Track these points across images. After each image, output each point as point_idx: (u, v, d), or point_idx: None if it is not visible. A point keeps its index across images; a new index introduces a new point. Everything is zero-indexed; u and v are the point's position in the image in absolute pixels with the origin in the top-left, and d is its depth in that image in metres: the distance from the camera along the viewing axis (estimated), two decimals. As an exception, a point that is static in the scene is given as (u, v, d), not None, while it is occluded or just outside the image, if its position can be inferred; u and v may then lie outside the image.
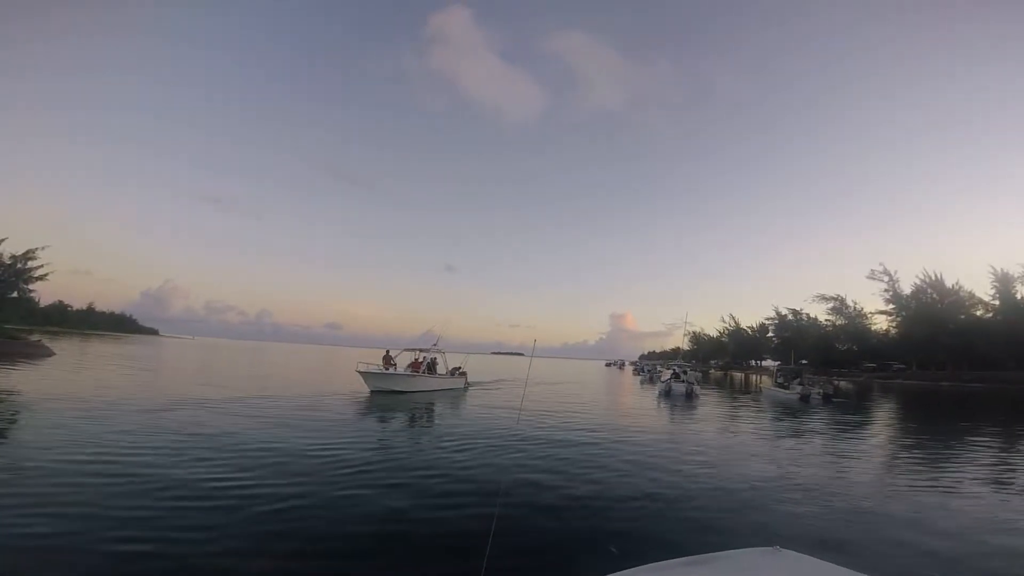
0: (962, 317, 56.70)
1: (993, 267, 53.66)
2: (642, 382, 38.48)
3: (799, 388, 26.95)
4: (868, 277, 66.79)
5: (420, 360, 23.01)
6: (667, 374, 32.15)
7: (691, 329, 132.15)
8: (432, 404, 17.11)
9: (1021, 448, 12.58)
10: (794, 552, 1.87)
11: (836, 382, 33.43)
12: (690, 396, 24.78)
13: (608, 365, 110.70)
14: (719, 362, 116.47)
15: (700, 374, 74.24)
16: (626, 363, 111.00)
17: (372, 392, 19.17)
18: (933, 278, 60.11)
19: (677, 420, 16.25)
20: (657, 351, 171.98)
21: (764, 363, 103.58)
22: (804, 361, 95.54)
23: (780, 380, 30.87)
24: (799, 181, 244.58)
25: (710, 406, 21.31)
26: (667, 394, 25.51)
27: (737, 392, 33.90)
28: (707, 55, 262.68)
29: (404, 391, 19.99)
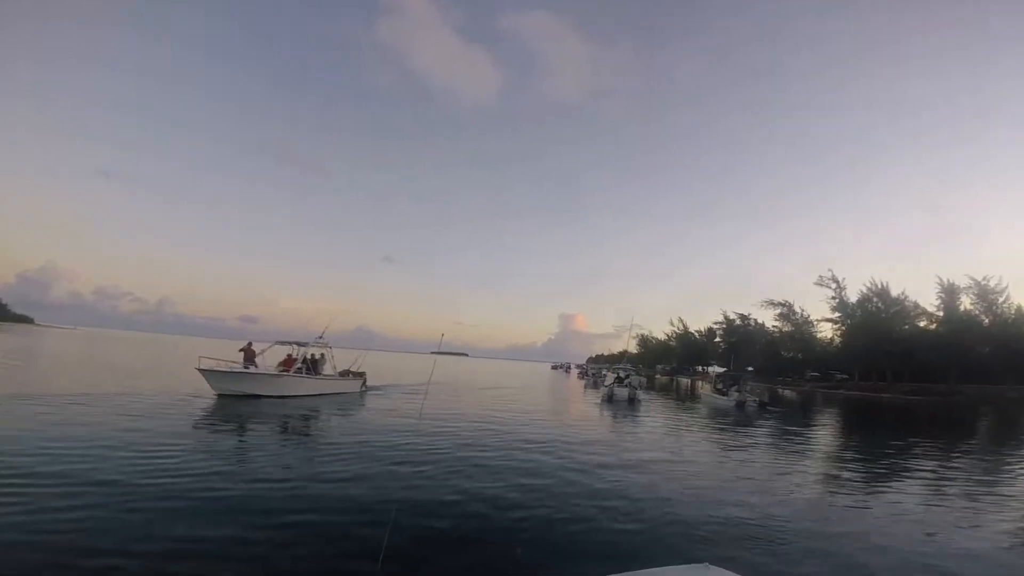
0: (906, 327, 56.21)
1: (940, 277, 53.26)
2: (586, 386, 37.81)
3: (736, 395, 27.18)
4: (816, 284, 66.05)
5: (295, 357, 19.12)
6: (611, 378, 31.82)
7: (639, 332, 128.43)
8: (313, 412, 14.52)
9: (933, 465, 11.65)
10: (723, 570, 1.85)
11: (778, 390, 33.68)
12: (632, 402, 24.53)
13: (554, 368, 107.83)
14: (666, 367, 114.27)
15: (644, 379, 70.87)
16: (572, 366, 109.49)
17: (219, 396, 15.53)
18: (879, 287, 59.56)
19: (613, 427, 15.94)
20: (605, 354, 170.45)
21: (711, 369, 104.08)
22: (750, 368, 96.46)
23: (719, 386, 31.01)
24: (759, 180, 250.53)
25: (651, 413, 21.20)
26: (609, 399, 25.04)
27: (680, 398, 33.75)
28: (668, 44, 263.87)
29: (267, 395, 16.55)
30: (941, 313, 52.80)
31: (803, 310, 77.34)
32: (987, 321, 48.08)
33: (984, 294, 47.78)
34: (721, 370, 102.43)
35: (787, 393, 57.86)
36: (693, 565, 1.92)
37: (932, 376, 50.73)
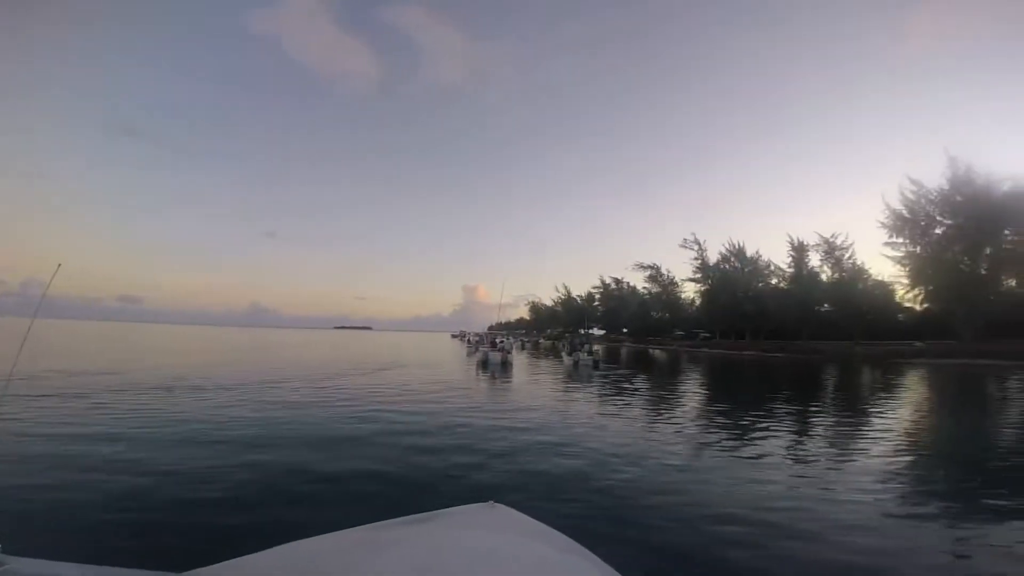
0: (760, 285, 57.37)
1: (790, 236, 54.33)
2: (469, 353, 38.84)
3: (572, 356, 29.70)
4: (680, 246, 65.88)
5: None
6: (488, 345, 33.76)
7: (531, 300, 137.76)
8: None
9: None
10: (507, 507, 1.99)
11: (619, 349, 33.89)
12: (505, 365, 26.25)
13: (454, 337, 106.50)
14: (553, 331, 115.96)
15: (520, 342, 73.70)
16: (469, 334, 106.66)
17: None
18: (736, 247, 60.44)
19: (474, 388, 16.74)
20: (503, 322, 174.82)
21: (592, 331, 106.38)
22: (624, 330, 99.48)
23: (567, 349, 33.00)
24: (629, 159, 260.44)
25: (517, 372, 23.41)
26: (484, 364, 26.78)
27: (546, 359, 36.17)
28: (542, 40, 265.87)
29: None
30: (792, 270, 53.85)
31: (669, 272, 78.73)
32: (829, 277, 49.50)
33: (831, 251, 48.81)
34: (601, 332, 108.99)
35: (656, 352, 58.27)
36: (479, 505, 2.04)
37: (787, 334, 52.01)
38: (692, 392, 17.63)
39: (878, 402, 16.00)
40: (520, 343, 79.02)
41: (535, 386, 18.00)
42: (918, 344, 39.19)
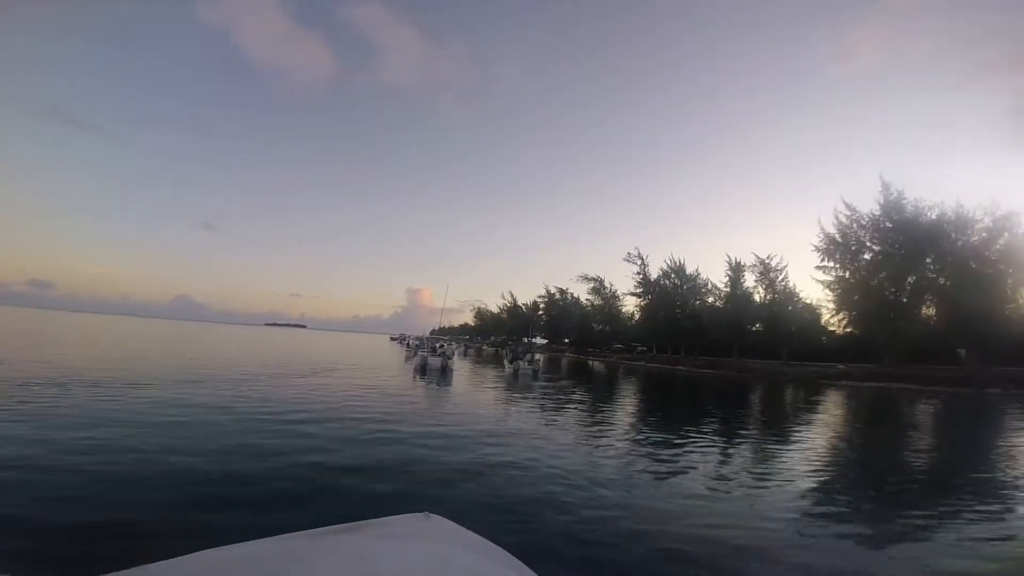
0: (697, 303, 57.65)
1: (728, 256, 54.86)
2: (407, 358, 36.92)
3: (511, 364, 29.64)
4: (624, 259, 65.53)
5: None
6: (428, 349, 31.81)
7: (476, 305, 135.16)
8: None
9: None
10: (441, 518, 1.98)
11: (559, 360, 34.49)
12: (445, 371, 24.79)
13: (393, 340, 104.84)
14: (497, 338, 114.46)
15: (463, 348, 72.67)
16: (408, 338, 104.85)
17: None
18: (676, 264, 60.65)
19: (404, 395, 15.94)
20: (445, 327, 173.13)
21: (535, 340, 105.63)
22: (566, 340, 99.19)
23: (509, 357, 32.49)
24: (589, 163, 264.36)
25: (457, 379, 22.26)
26: (422, 369, 25.22)
27: (487, 366, 36.43)
28: (496, 45, 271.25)
29: None
30: (728, 290, 54.29)
31: (611, 285, 78.74)
32: (762, 298, 50.09)
33: (766, 272, 49.40)
34: (542, 341, 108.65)
35: (595, 364, 57.68)
36: (414, 515, 2.01)
37: (721, 351, 52.20)
38: (625, 406, 17.68)
39: (800, 420, 16.52)
40: (463, 349, 76.93)
41: (472, 395, 17.45)
42: (840, 367, 39.76)
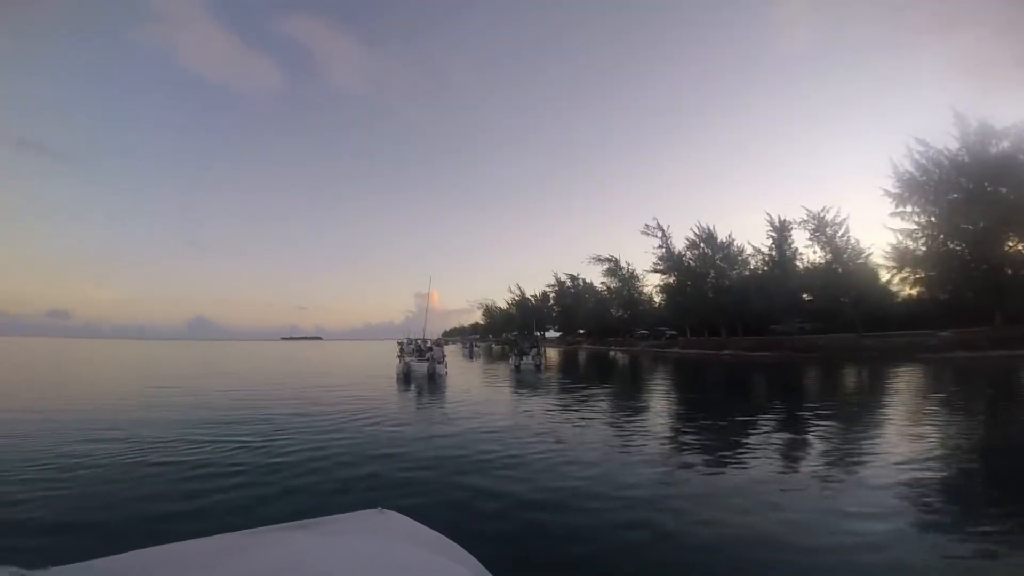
0: (734, 274, 49.08)
1: (769, 214, 46.07)
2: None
3: (514, 359, 29.46)
4: (642, 232, 56.77)
5: None
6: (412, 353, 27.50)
7: (484, 303, 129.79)
8: None
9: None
10: (396, 513, 1.97)
11: (576, 351, 38.68)
12: (433, 377, 21.87)
13: (400, 344, 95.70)
14: (508, 335, 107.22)
15: (469, 347, 72.50)
16: (403, 342, 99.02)
17: None
18: (705, 231, 51.60)
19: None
20: (456, 327, 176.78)
21: (547, 333, 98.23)
22: (581, 331, 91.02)
23: (516, 352, 31.51)
24: (584, 147, 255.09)
25: (448, 383, 20.30)
26: (406, 377, 22.09)
27: (495, 364, 35.94)
28: (439, 47, 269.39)
29: None
30: (774, 253, 45.58)
31: (629, 264, 70.21)
32: (819, 259, 41.44)
33: (821, 227, 40.57)
34: (557, 334, 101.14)
35: (617, 355, 49.76)
36: (367, 511, 1.99)
37: (766, 328, 43.81)
38: (662, 409, 13.81)
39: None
40: (468, 348, 70.09)
41: (450, 405, 14.45)
42: (944, 333, 31.28)
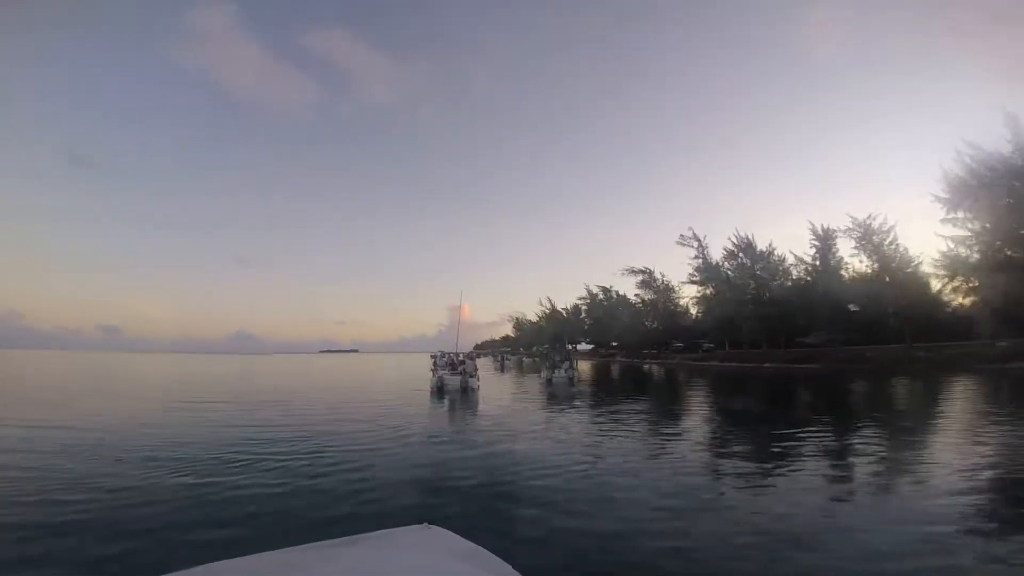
0: (775, 283, 48.16)
1: (811, 223, 45.18)
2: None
3: (546, 372, 29.74)
4: (678, 243, 56.40)
5: None
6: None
7: (514, 316, 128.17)
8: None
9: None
10: (442, 529, 1.99)
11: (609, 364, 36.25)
12: (466, 391, 22.24)
13: (433, 357, 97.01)
14: (539, 348, 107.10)
15: (500, 360, 74.64)
16: (436, 355, 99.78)
17: None
18: (744, 240, 50.96)
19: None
20: (487, 340, 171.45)
21: (578, 346, 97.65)
22: (614, 344, 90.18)
23: (547, 365, 31.82)
24: (615, 157, 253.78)
25: (480, 397, 20.51)
26: (440, 391, 22.16)
27: (524, 377, 35.79)
28: (463, 57, 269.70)
29: None
30: (817, 263, 44.58)
31: (663, 275, 69.58)
32: (869, 268, 40.39)
33: (867, 235, 39.61)
34: (585, 347, 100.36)
35: (652, 368, 49.20)
36: (413, 527, 2.01)
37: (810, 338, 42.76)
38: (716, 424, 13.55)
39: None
40: (499, 361, 70.32)
41: (484, 420, 14.15)
42: (1001, 344, 30.05)
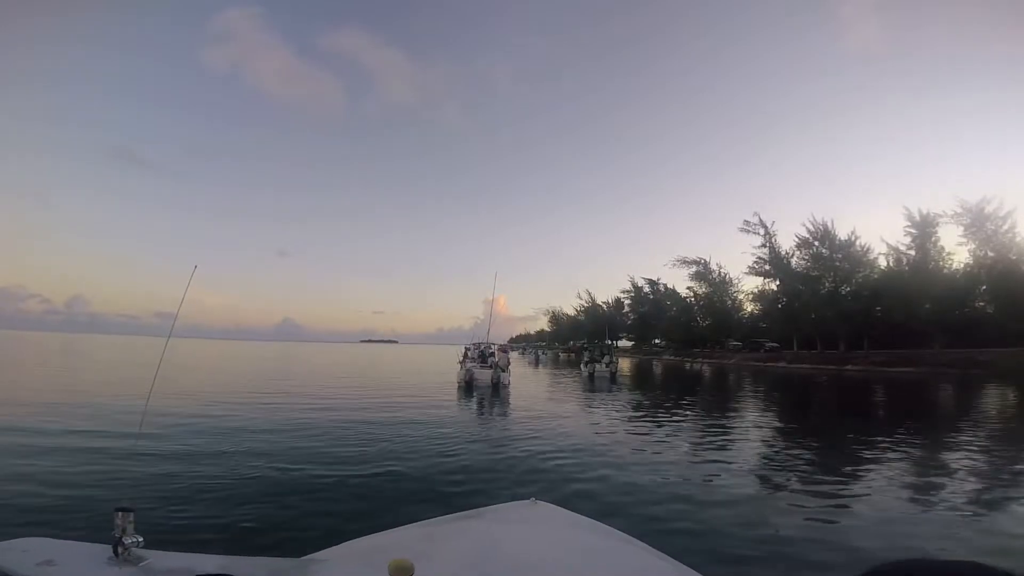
0: (859, 276, 42.50)
1: (907, 208, 39.27)
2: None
3: (586, 367, 28.79)
4: (741, 229, 51.28)
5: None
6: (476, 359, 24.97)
7: (551, 309, 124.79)
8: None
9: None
10: (548, 503, 2.06)
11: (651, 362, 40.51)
12: (497, 387, 19.51)
13: (466, 349, 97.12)
14: (576, 343, 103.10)
15: (535, 354, 72.61)
16: (468, 347, 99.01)
17: None
18: (822, 228, 45.23)
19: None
20: (522, 334, 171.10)
21: (619, 342, 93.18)
22: (657, 340, 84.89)
23: (586, 359, 30.57)
24: (659, 152, 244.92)
25: (511, 393, 18.63)
26: (468, 386, 19.92)
27: (560, 372, 34.16)
28: (483, 56, 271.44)
29: None
30: (913, 252, 38.76)
31: (720, 267, 64.08)
32: (977, 258, 34.52)
33: (977, 222, 33.82)
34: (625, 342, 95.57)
35: (703, 367, 44.58)
36: (522, 501, 2.09)
37: (909, 341, 37.08)
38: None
39: None
40: (534, 355, 67.49)
41: (516, 425, 11.70)
42: None
